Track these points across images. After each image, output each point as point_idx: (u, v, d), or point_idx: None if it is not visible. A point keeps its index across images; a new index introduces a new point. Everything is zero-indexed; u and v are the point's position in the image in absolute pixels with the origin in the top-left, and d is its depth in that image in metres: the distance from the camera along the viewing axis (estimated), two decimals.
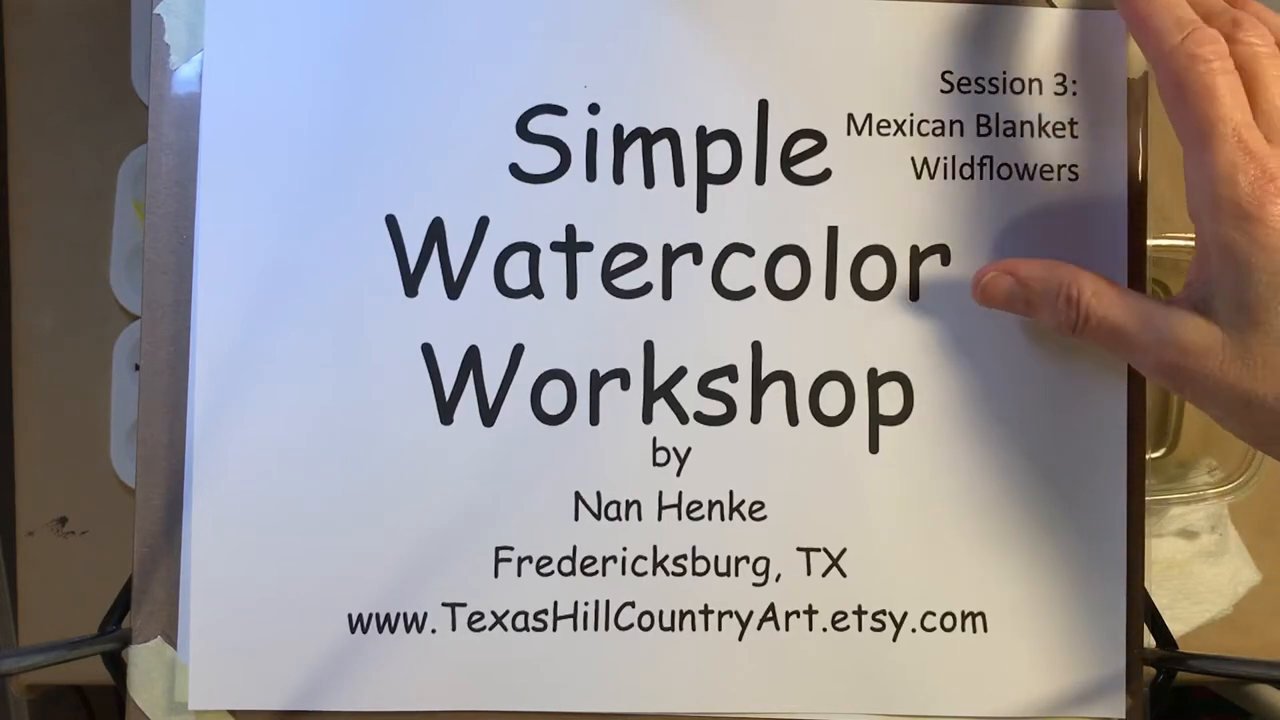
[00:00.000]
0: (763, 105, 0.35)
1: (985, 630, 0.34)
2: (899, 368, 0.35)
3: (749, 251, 0.35)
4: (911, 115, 0.35)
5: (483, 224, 0.34)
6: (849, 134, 0.35)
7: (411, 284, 0.34)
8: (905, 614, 0.35)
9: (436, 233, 0.34)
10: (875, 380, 0.35)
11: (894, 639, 0.34)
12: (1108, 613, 0.35)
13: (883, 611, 0.35)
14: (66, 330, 0.52)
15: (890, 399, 0.35)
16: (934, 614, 0.35)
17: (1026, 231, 0.35)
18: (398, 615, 0.34)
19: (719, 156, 0.35)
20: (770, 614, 0.34)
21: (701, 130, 0.35)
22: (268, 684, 0.34)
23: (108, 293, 0.51)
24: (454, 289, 0.34)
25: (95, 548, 0.51)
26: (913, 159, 0.35)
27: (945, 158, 0.35)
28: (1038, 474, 0.35)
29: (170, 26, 0.35)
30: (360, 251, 0.34)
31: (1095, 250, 0.35)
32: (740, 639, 0.34)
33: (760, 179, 0.35)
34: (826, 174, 0.35)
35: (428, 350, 0.34)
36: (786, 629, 0.34)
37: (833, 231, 0.35)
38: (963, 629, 0.34)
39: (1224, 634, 0.48)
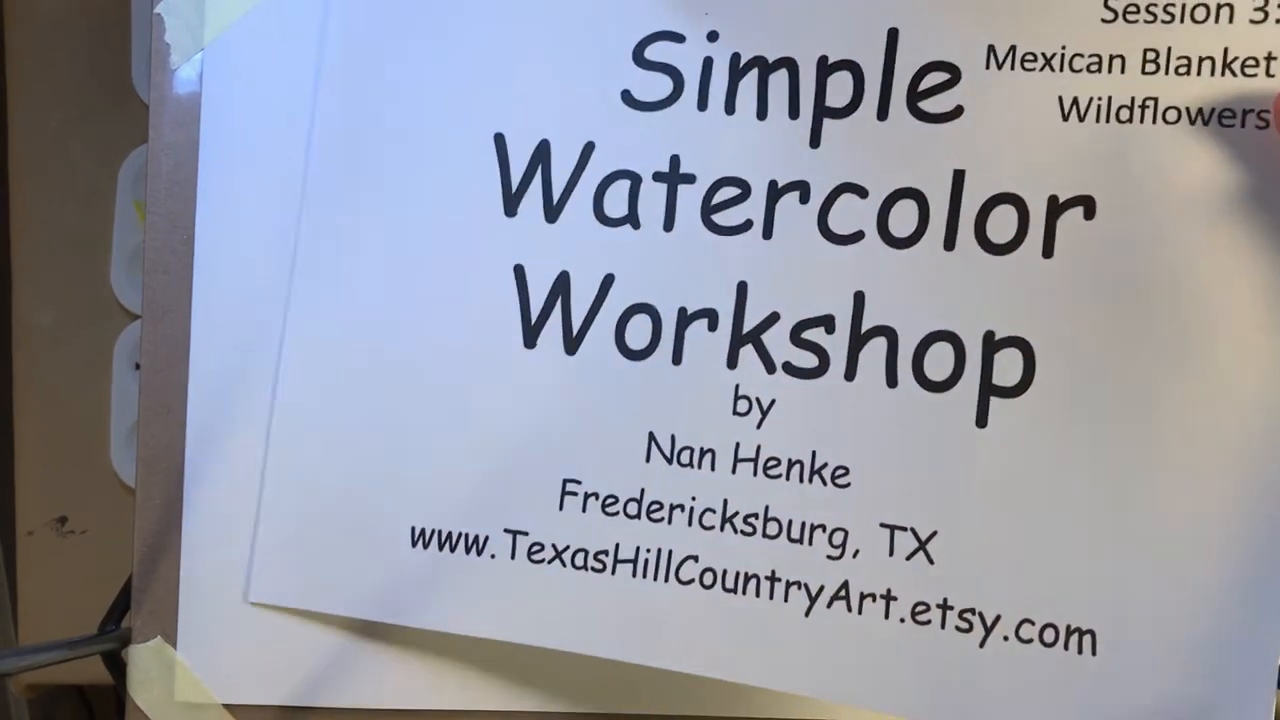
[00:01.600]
0: (892, 34, 0.32)
1: (1093, 653, 0.29)
2: (1021, 332, 0.31)
3: (862, 193, 0.32)
4: (1064, 48, 0.31)
5: (588, 149, 0.33)
6: (988, 67, 0.31)
7: (512, 204, 0.33)
8: (998, 617, 0.30)
9: (542, 155, 0.33)
10: (991, 344, 0.31)
11: (981, 644, 0.30)
12: (1255, 656, 0.28)
13: (971, 610, 0.30)
14: (66, 330, 0.52)
15: (1007, 367, 0.31)
16: (1032, 623, 0.30)
17: (1195, 185, 0.30)
18: (459, 535, 0.33)
19: (839, 88, 0.32)
20: (843, 592, 0.31)
21: (823, 60, 0.32)
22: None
23: (108, 292, 0.51)
24: (552, 213, 0.33)
25: (95, 548, 0.52)
26: (1060, 98, 0.31)
27: (1100, 98, 0.30)
28: (1181, 479, 0.29)
29: (170, 26, 0.35)
30: (466, 167, 0.34)
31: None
32: (807, 615, 0.31)
33: (883, 114, 0.32)
34: (958, 111, 0.31)
35: (519, 271, 0.33)
36: (859, 612, 0.31)
37: (959, 175, 0.31)
38: (1065, 646, 0.29)
39: None
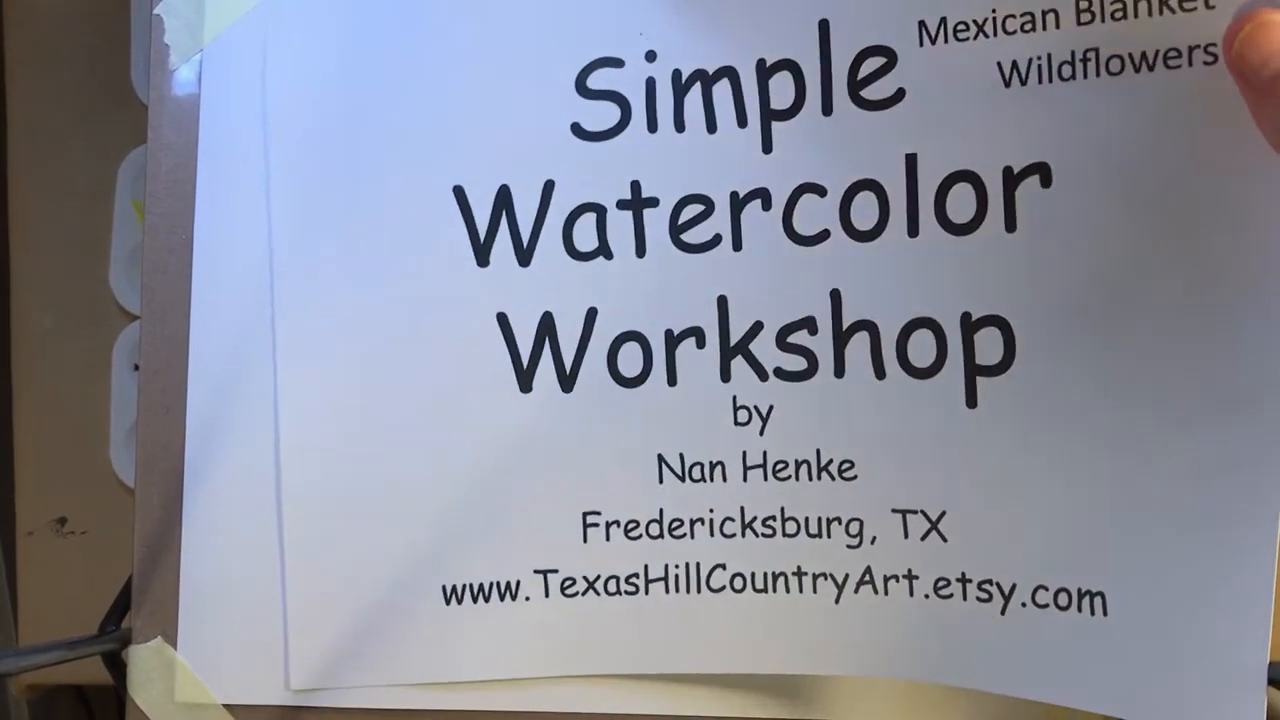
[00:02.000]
0: (823, 26, 0.31)
1: (1104, 613, 0.30)
2: (996, 310, 0.31)
3: (821, 191, 0.32)
4: (994, 12, 0.30)
5: (548, 187, 0.33)
6: (921, 45, 0.31)
7: (483, 254, 0.33)
8: (1014, 586, 0.31)
9: (504, 200, 0.33)
10: (969, 326, 0.31)
11: (1002, 612, 0.31)
12: (1249, 612, 0.29)
13: (989, 581, 0.31)
14: (66, 330, 0.52)
15: (988, 347, 0.31)
16: (1046, 589, 0.30)
17: (1150, 135, 0.29)
18: (491, 585, 0.33)
19: (781, 90, 0.32)
20: (868, 577, 0.32)
21: (761, 63, 0.32)
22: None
23: (108, 293, 0.51)
24: (524, 256, 0.33)
25: (95, 548, 0.52)
26: (999, 64, 0.30)
27: (1038, 58, 0.30)
28: (1171, 435, 0.29)
29: (170, 27, 0.35)
30: (429, 225, 0.34)
31: (1249, 148, 0.28)
32: (837, 602, 0.32)
33: (827, 109, 0.32)
34: (900, 95, 0.31)
35: (503, 319, 0.33)
36: (885, 593, 0.32)
37: (911, 160, 0.31)
38: (1079, 609, 0.30)
39: None
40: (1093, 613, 0.30)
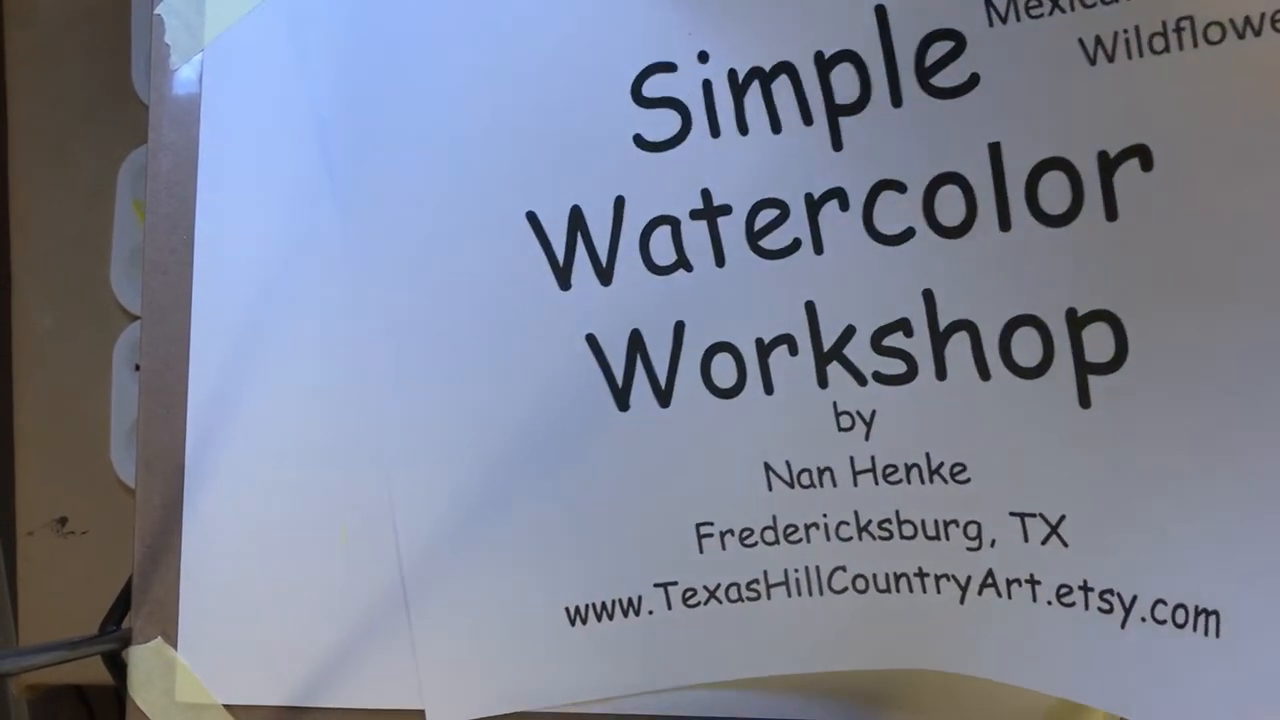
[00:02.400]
0: (880, 11, 0.29)
1: (1217, 634, 0.28)
2: (1104, 305, 0.28)
3: (900, 187, 0.30)
4: None
5: (619, 204, 0.32)
6: (991, 25, 0.29)
7: (564, 277, 0.33)
8: (1135, 598, 0.29)
9: (578, 221, 0.32)
10: (1076, 322, 0.29)
11: (1122, 625, 0.29)
12: None
13: (1110, 591, 0.29)
14: (66, 330, 0.52)
15: (1098, 343, 0.29)
16: (1165, 603, 0.29)
17: (1261, 109, 0.26)
18: (614, 602, 0.33)
19: (845, 83, 0.30)
20: (990, 580, 0.31)
21: (819, 56, 0.30)
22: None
23: (108, 293, 0.51)
24: (605, 275, 0.32)
25: (95, 548, 0.52)
26: (1081, 40, 0.28)
27: (1125, 31, 0.27)
28: None
29: (170, 27, 0.35)
30: (510, 254, 0.33)
31: None
32: (961, 603, 0.31)
33: (896, 100, 0.30)
34: (974, 80, 0.29)
35: (592, 340, 0.33)
36: (1009, 596, 0.31)
37: (994, 149, 0.29)
38: (1194, 628, 0.28)
39: None
40: (1206, 633, 0.28)
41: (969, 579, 0.31)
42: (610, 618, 0.33)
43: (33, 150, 0.52)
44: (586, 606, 0.33)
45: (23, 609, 0.52)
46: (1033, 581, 0.30)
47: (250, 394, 0.34)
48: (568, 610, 0.33)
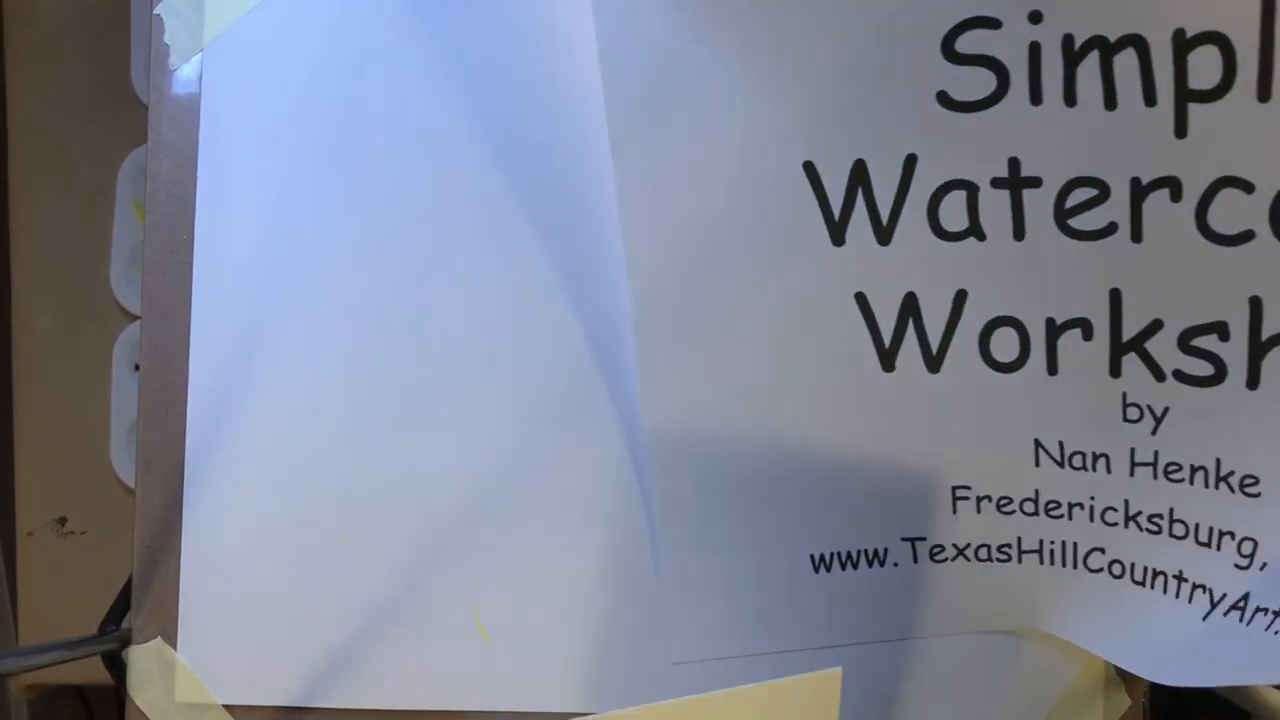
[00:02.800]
0: None
1: None
2: None
3: (1247, 187, 0.27)
4: None
5: (910, 163, 0.30)
6: None
7: (838, 233, 0.31)
8: None
9: (859, 177, 0.30)
10: None
11: None
12: None
13: None
14: (66, 330, 0.52)
15: None
16: None
17: None
18: (859, 552, 0.33)
19: (1205, 67, 0.26)
20: (1242, 603, 0.29)
21: (1179, 34, 0.26)
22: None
23: (108, 293, 0.51)
24: (884, 235, 0.30)
25: (95, 548, 0.52)
26: None
27: None
28: None
29: (170, 27, 0.35)
30: (782, 205, 0.31)
31: None
32: (1204, 619, 0.30)
33: (1264, 94, 0.26)
34: None
35: (861, 299, 0.31)
36: (1247, 624, 0.29)
37: None
38: None
39: None
40: None
41: (1223, 597, 0.30)
42: (854, 567, 0.33)
43: (32, 150, 0.52)
44: (831, 555, 0.33)
45: (23, 609, 0.52)
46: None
47: (250, 394, 0.34)
48: (812, 557, 0.33)
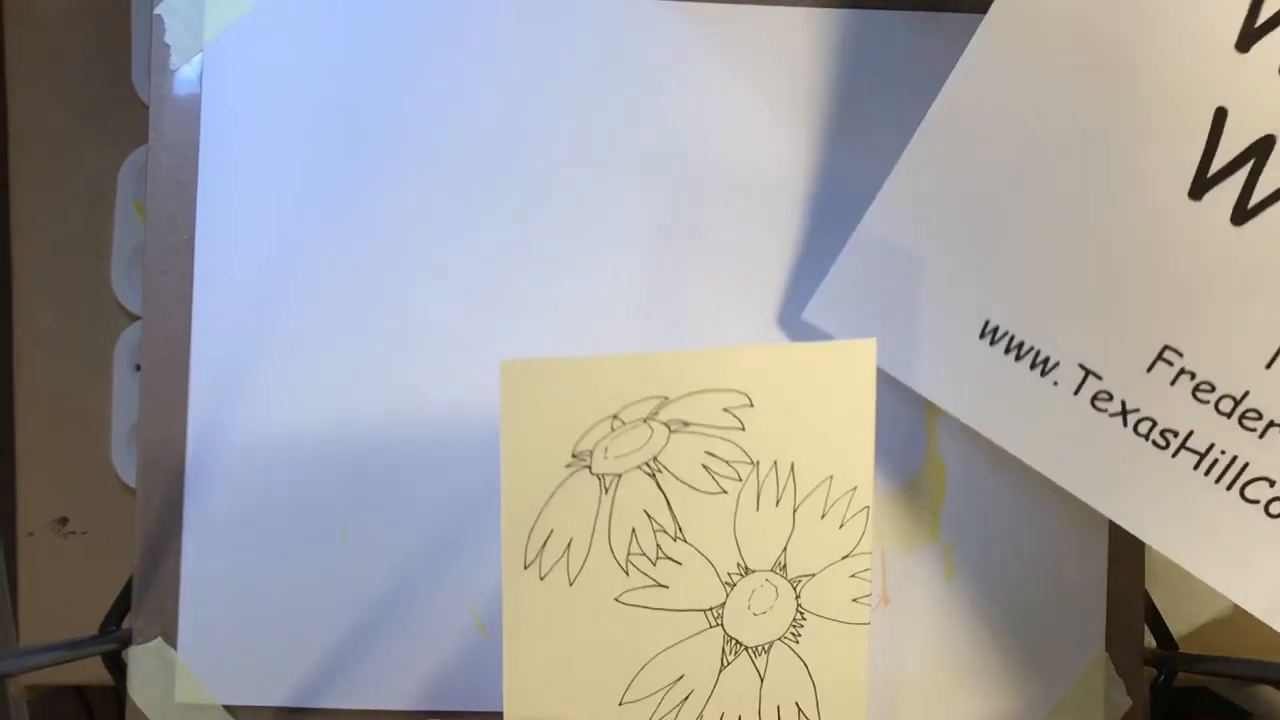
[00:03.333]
0: None
1: None
2: None
3: None
4: None
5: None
6: None
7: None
8: None
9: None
10: None
11: None
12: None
13: None
14: (66, 330, 0.52)
15: None
16: None
17: None
18: (1031, 348, 0.31)
19: None
20: None
21: None
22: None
23: (108, 293, 0.51)
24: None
25: (95, 548, 0.51)
26: None
27: None
28: None
29: (170, 26, 0.35)
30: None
31: None
32: None
33: None
34: None
35: (1220, 114, 0.27)
36: None
37: None
38: None
39: (1224, 634, 0.48)
40: None
41: None
42: (1018, 359, 0.31)
43: (33, 150, 0.52)
44: (1006, 332, 0.31)
45: (23, 609, 0.52)
46: None
47: (250, 394, 0.34)
48: (986, 322, 0.31)
